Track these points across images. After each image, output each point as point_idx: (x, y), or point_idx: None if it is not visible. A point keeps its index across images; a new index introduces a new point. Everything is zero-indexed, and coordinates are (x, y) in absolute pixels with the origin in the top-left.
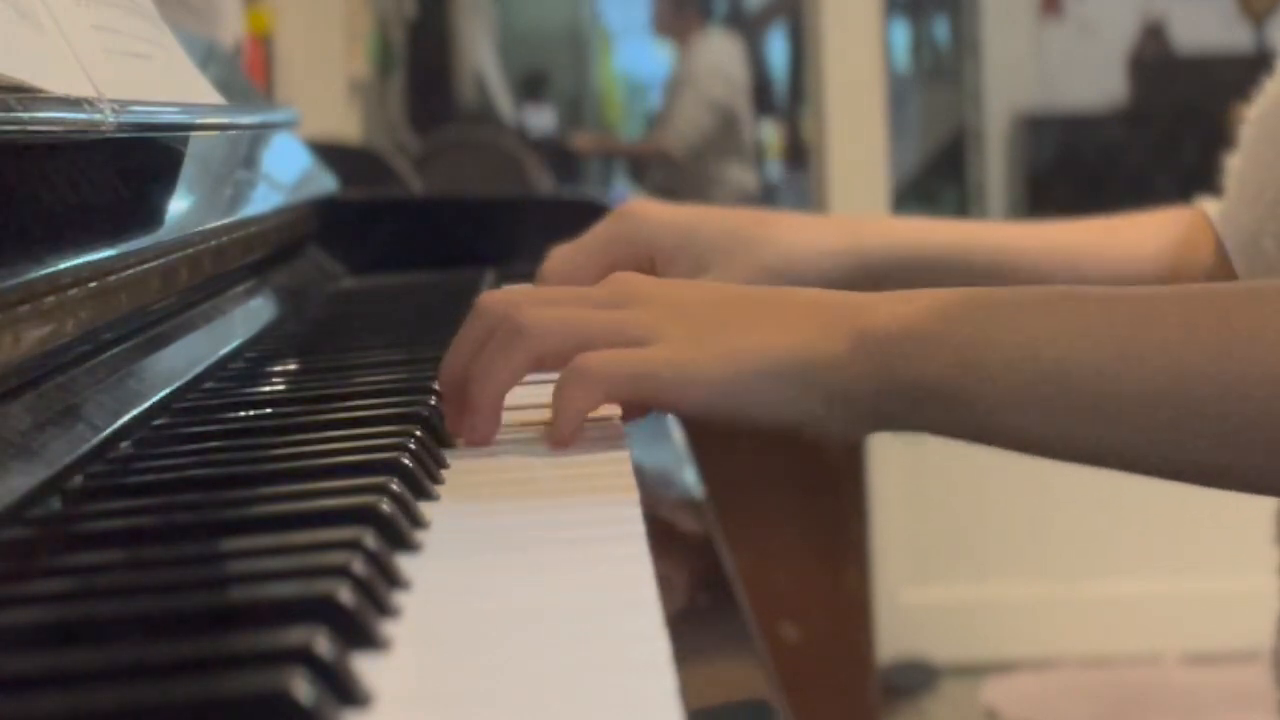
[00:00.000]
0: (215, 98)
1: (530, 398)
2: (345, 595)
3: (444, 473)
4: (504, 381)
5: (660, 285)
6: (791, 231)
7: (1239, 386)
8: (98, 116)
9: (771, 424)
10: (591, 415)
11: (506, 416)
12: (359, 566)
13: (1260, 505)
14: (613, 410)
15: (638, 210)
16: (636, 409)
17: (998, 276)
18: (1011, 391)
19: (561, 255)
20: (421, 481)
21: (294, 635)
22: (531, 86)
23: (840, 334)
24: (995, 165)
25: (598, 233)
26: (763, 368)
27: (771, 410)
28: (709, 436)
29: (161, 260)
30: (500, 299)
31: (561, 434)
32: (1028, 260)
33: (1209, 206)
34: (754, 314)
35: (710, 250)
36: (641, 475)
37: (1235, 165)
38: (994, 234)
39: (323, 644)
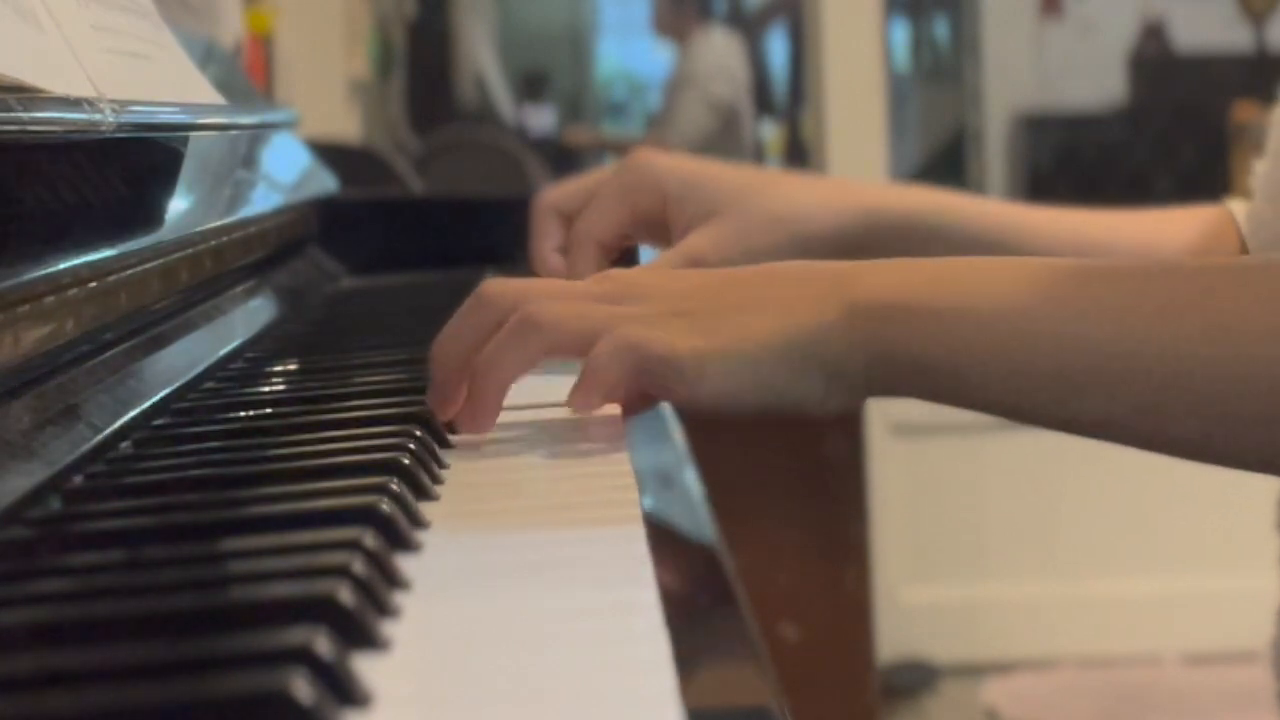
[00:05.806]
0: (215, 98)
1: (530, 396)
2: (345, 595)
3: (444, 473)
4: (513, 373)
5: (657, 278)
6: (799, 187)
7: (1218, 366)
8: (98, 116)
9: (776, 406)
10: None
11: (507, 415)
12: (359, 566)
13: (1259, 506)
14: (613, 409)
15: (645, 159)
16: (640, 402)
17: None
18: (992, 362)
19: (586, 216)
20: (421, 481)
21: (294, 635)
22: (531, 86)
23: (831, 307)
24: (995, 165)
25: (612, 185)
26: (766, 352)
27: (776, 393)
28: (710, 437)
29: (161, 260)
30: (509, 289)
31: (589, 399)
32: (1042, 243)
33: (1236, 207)
34: (749, 298)
35: (718, 196)
36: (641, 475)
37: (1262, 168)
38: (1012, 214)
39: (323, 644)
